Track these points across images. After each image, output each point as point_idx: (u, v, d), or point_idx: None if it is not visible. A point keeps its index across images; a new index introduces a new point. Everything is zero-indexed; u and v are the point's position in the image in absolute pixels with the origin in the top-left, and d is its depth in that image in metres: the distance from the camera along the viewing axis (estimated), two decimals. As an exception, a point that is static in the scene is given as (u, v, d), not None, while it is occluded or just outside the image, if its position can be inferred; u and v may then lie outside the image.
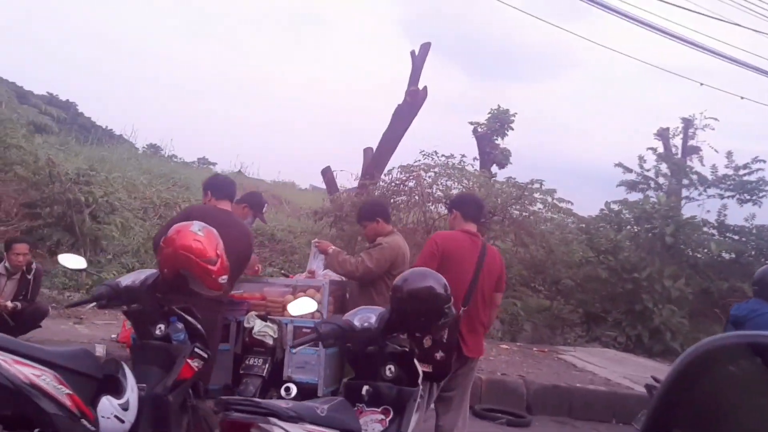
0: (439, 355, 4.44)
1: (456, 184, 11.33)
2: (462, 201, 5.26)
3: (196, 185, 15.03)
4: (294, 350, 4.61)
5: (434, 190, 11.40)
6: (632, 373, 8.91)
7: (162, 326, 3.51)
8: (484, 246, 4.82)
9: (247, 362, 4.60)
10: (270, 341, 4.56)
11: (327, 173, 14.24)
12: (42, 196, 8.35)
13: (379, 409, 3.39)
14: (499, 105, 17.78)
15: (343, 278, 5.06)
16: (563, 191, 12.02)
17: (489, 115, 17.97)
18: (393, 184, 11.47)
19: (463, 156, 11.59)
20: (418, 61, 14.02)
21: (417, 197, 11.17)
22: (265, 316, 4.65)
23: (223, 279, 3.62)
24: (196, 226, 3.59)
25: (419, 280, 3.50)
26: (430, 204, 11.41)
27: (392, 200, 11.35)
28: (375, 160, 13.79)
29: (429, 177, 11.51)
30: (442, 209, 11.50)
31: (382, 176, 12.37)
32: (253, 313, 4.65)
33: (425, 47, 14.25)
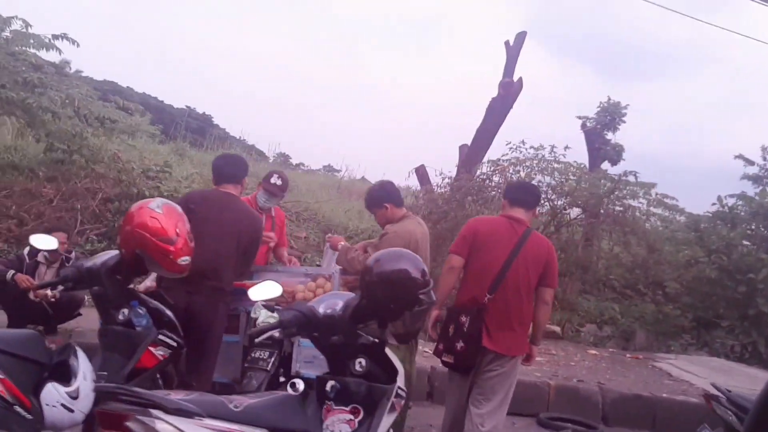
0: (459, 345, 4.27)
1: (549, 178, 10.61)
2: (509, 187, 4.97)
3: (312, 189, 15.61)
4: (304, 344, 4.33)
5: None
6: (737, 384, 7.90)
7: (126, 311, 3.28)
8: (527, 233, 4.41)
9: (252, 355, 4.33)
10: (276, 333, 4.25)
11: (420, 170, 13.86)
12: (114, 192, 8.54)
13: (348, 408, 3.02)
14: (609, 97, 16.72)
15: None
16: (692, 192, 10.99)
17: (598, 109, 16.95)
18: (479, 179, 10.92)
19: (554, 147, 10.83)
20: (513, 51, 13.38)
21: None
22: (272, 306, 4.35)
23: (185, 260, 3.35)
24: (155, 203, 3.36)
25: (393, 262, 3.08)
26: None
27: (481, 197, 10.84)
28: (469, 156, 13.26)
29: (518, 172, 10.87)
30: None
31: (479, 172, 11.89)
32: (260, 302, 4.36)
33: (521, 37, 13.59)
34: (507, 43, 13.41)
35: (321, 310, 3.08)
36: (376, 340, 3.05)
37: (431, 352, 4.81)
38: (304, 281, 4.55)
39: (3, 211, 7.92)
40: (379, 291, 2.99)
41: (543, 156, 10.75)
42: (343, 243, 4.79)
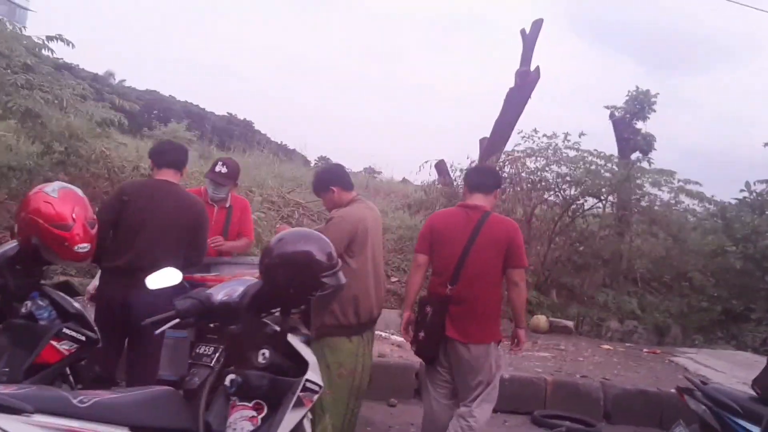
0: (421, 335, 4.29)
1: (564, 168, 10.20)
2: (468, 173, 4.89)
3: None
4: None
5: (540, 176, 10.35)
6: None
7: (28, 303, 3.12)
8: (483, 218, 4.31)
9: (197, 350, 4.11)
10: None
11: (439, 165, 13.57)
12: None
13: (251, 404, 2.81)
14: (637, 86, 16.12)
15: None
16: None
17: (627, 98, 16.37)
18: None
19: (567, 135, 10.39)
20: (529, 40, 12.98)
21: (522, 186, 10.20)
22: (219, 299, 4.15)
23: (83, 248, 3.16)
24: (51, 187, 3.18)
25: (297, 243, 2.88)
26: (534, 191, 10.41)
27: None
28: (488, 149, 12.89)
29: (533, 163, 10.51)
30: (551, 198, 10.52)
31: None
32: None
33: (537, 24, 13.16)
34: (523, 31, 13.01)
35: (219, 297, 2.87)
36: (278, 330, 2.84)
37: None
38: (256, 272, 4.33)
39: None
40: (279, 274, 2.79)
41: (556, 144, 10.35)
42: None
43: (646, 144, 16.23)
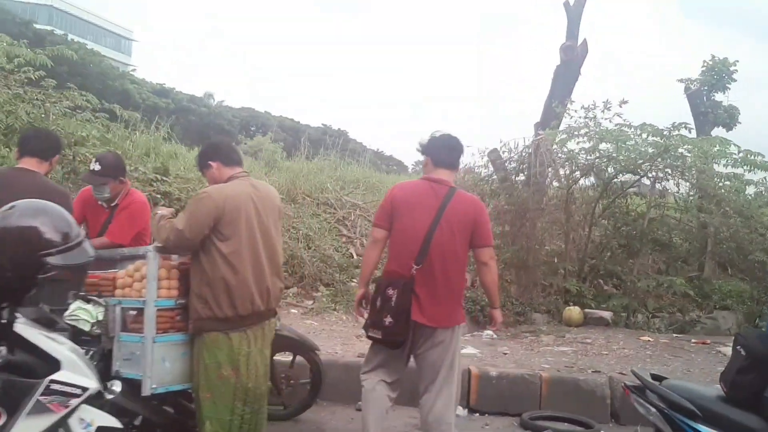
0: (387, 320, 3.94)
1: (604, 144, 9.25)
2: (432, 144, 4.31)
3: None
4: (123, 338, 3.77)
5: (574, 154, 9.48)
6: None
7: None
8: (450, 194, 4.04)
9: None
10: (86, 327, 3.71)
11: (492, 155, 12.85)
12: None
13: (-12, 410, 2.41)
14: (713, 55, 14.72)
15: None
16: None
17: (702, 68, 14.97)
18: (524, 153, 9.76)
19: (607, 103, 9.36)
20: (574, 13, 12.10)
21: (556, 167, 9.37)
22: (88, 296, 3.81)
23: None
24: None
25: (24, 216, 2.47)
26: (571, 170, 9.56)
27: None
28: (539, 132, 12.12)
29: (572, 142, 9.63)
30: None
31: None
32: (74, 293, 3.83)
33: (581, -5, 12.25)
34: (566, 3, 12.14)
35: None
36: (4, 321, 2.44)
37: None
38: (125, 265, 3.97)
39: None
40: None
41: (594, 116, 9.38)
42: (161, 211, 3.98)
43: (730, 117, 14.79)
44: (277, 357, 5.03)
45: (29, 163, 3.92)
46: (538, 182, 9.42)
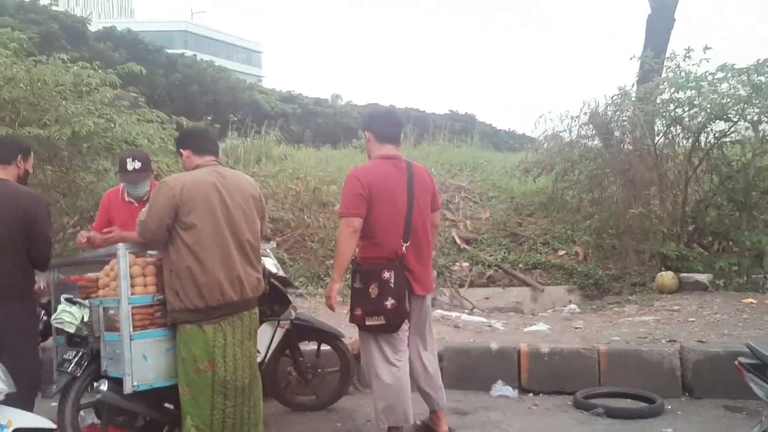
0: (390, 303, 4.00)
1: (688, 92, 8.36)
2: (372, 119, 4.40)
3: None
4: (108, 338, 3.80)
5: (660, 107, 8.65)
6: None
7: None
8: (410, 168, 4.22)
9: (63, 356, 3.90)
10: (70, 329, 3.78)
11: (595, 118, 12.08)
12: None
13: None
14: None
15: None
16: None
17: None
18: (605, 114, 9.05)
19: (689, 50, 8.43)
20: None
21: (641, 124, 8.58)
22: (73, 299, 3.87)
23: None
24: None
25: None
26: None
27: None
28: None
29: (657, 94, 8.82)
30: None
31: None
32: (63, 296, 3.91)
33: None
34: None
35: None
36: None
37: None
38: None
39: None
40: None
41: (677, 65, 8.51)
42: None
43: None
44: (303, 347, 4.95)
45: None
46: (635, 141, 8.73)
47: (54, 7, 32.25)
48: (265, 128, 16.26)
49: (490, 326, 6.54)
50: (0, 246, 3.75)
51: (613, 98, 9.03)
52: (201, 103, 33.28)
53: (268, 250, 4.73)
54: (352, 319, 4.14)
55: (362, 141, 20.87)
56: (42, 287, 4.30)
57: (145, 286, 3.73)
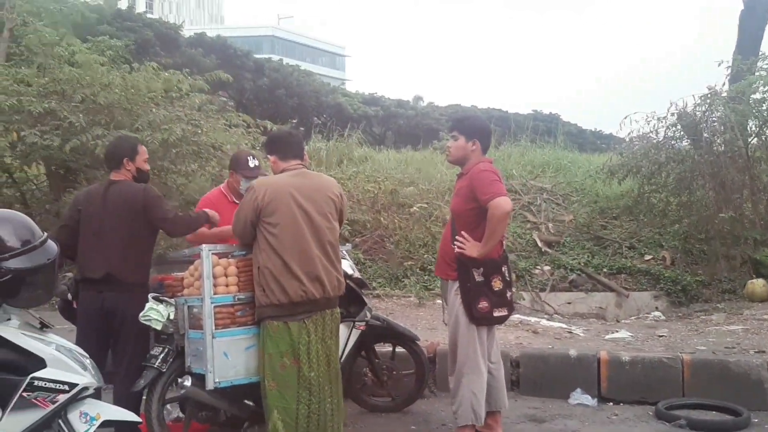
0: (509, 294, 4.17)
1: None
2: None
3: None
4: (191, 335, 3.97)
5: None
6: None
7: None
8: None
9: (151, 352, 4.09)
10: (157, 326, 3.95)
11: (684, 118, 11.69)
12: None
13: (-9, 406, 2.69)
14: None
15: None
16: None
17: None
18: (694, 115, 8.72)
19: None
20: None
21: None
22: (160, 297, 4.04)
23: None
24: None
25: None
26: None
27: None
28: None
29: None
30: None
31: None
32: (151, 295, 4.09)
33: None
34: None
35: None
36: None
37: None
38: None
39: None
40: None
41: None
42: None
43: None
44: (379, 348, 5.01)
45: (114, 175, 4.26)
46: (725, 142, 8.42)
47: (149, 15, 33.70)
48: (347, 130, 16.50)
49: (570, 332, 6.43)
50: (121, 241, 4.04)
51: (703, 98, 8.69)
52: (287, 106, 34.04)
53: (344, 251, 4.82)
54: (476, 314, 4.05)
55: (443, 142, 20.93)
56: None
57: (227, 285, 3.86)
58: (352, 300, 4.59)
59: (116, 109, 8.04)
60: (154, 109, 8.05)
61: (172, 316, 3.99)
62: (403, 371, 5.01)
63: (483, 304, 4.04)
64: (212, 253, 3.88)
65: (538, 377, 5.33)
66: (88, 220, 4.13)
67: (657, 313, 7.44)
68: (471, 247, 4.06)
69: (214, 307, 3.79)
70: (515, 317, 6.88)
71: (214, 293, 3.81)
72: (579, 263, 8.83)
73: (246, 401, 4.09)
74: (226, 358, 3.81)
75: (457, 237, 4.13)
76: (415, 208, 9.32)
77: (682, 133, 8.96)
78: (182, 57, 29.44)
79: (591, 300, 8.45)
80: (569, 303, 8.43)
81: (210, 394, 3.85)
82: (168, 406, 4.20)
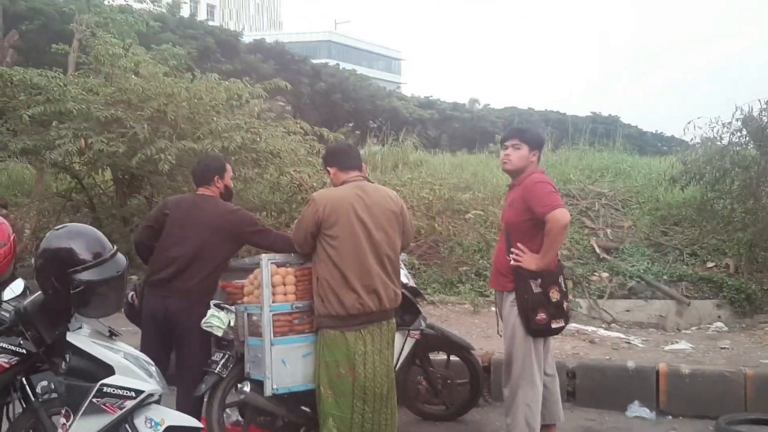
0: (565, 305, 4.16)
1: None
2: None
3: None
4: (251, 342, 4.08)
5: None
6: None
7: None
8: None
9: (212, 358, 4.21)
10: (218, 332, 4.07)
11: (750, 123, 11.33)
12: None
13: (63, 411, 2.84)
14: None
15: None
16: None
17: None
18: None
19: None
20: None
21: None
22: (221, 305, 4.16)
23: None
24: None
25: (62, 239, 2.85)
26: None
27: None
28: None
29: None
30: None
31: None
32: (212, 302, 4.21)
33: None
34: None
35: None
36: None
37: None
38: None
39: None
40: (40, 272, 2.79)
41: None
42: None
43: None
44: (434, 357, 5.04)
45: (202, 190, 4.46)
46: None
47: (210, 23, 34.48)
48: (402, 134, 16.55)
49: (628, 342, 6.34)
50: (201, 254, 4.21)
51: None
52: (342, 110, 34.34)
53: (400, 260, 4.88)
54: (534, 325, 4.04)
55: (497, 146, 20.73)
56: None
57: (285, 294, 3.96)
58: (406, 308, 4.64)
59: (180, 119, 8.27)
60: (215, 118, 8.24)
61: (232, 323, 4.11)
62: (458, 380, 5.03)
63: (541, 316, 4.03)
64: (271, 263, 3.98)
65: (595, 389, 5.27)
66: (171, 225, 4.31)
67: (719, 324, 7.26)
68: (528, 260, 4.05)
69: (273, 315, 3.89)
70: (572, 326, 6.82)
71: (273, 301, 3.92)
72: (638, 270, 8.65)
73: (303, 407, 4.18)
74: (284, 366, 3.91)
75: (512, 249, 4.13)
76: (470, 214, 9.28)
77: (747, 138, 8.70)
78: (242, 63, 30.06)
79: (650, 308, 8.27)
80: (628, 311, 8.28)
81: (268, 400, 3.95)
82: (228, 410, 4.31)
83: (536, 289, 4.04)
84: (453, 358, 5.09)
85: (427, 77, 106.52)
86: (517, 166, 4.23)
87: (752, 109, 8.62)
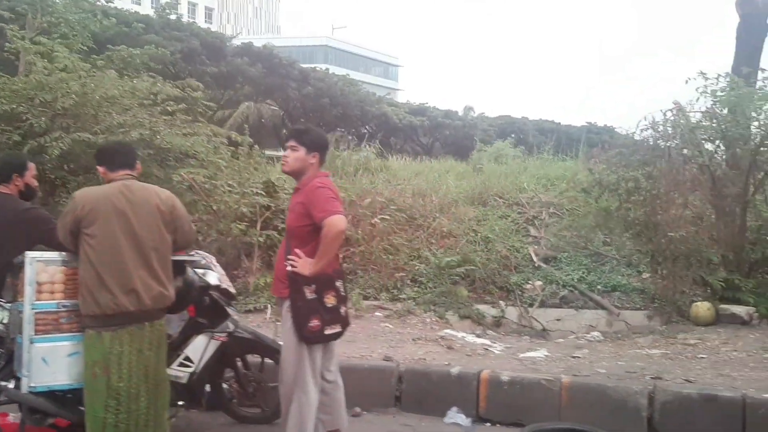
0: (343, 310, 4.15)
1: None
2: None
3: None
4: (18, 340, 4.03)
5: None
6: None
7: None
8: None
9: None
10: None
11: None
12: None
13: None
14: None
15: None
16: None
17: None
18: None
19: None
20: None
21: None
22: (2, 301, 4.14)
23: None
24: None
25: None
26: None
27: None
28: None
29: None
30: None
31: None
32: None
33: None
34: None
35: None
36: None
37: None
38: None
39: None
40: None
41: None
42: None
43: None
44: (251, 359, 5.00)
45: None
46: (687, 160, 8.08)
47: (208, 25, 34.50)
48: (393, 140, 16.51)
49: (486, 349, 6.26)
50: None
51: (666, 114, 8.30)
52: (331, 115, 34.33)
53: (215, 262, 4.85)
54: (306, 333, 3.99)
55: (478, 152, 20.55)
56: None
57: (52, 293, 3.93)
58: (214, 311, 4.61)
59: (83, 115, 8.37)
60: (114, 115, 8.34)
61: (5, 320, 4.09)
62: (271, 383, 4.97)
63: (314, 323, 3.99)
64: (38, 261, 3.94)
65: (419, 394, 5.23)
66: None
67: (596, 333, 7.17)
68: (303, 265, 4.00)
69: (36, 313, 3.85)
70: (441, 332, 6.77)
71: (38, 299, 3.88)
72: (572, 279, 8.57)
73: (80, 407, 4.14)
74: (45, 364, 3.86)
75: (290, 255, 4.08)
76: (376, 219, 9.22)
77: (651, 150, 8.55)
78: (228, 66, 30.08)
79: (581, 317, 8.15)
80: (558, 320, 8.18)
81: (33, 397, 3.91)
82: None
83: (310, 296, 3.99)
84: (268, 360, 5.04)
85: (424, 85, 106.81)
86: (293, 168, 4.18)
87: (654, 120, 8.47)
